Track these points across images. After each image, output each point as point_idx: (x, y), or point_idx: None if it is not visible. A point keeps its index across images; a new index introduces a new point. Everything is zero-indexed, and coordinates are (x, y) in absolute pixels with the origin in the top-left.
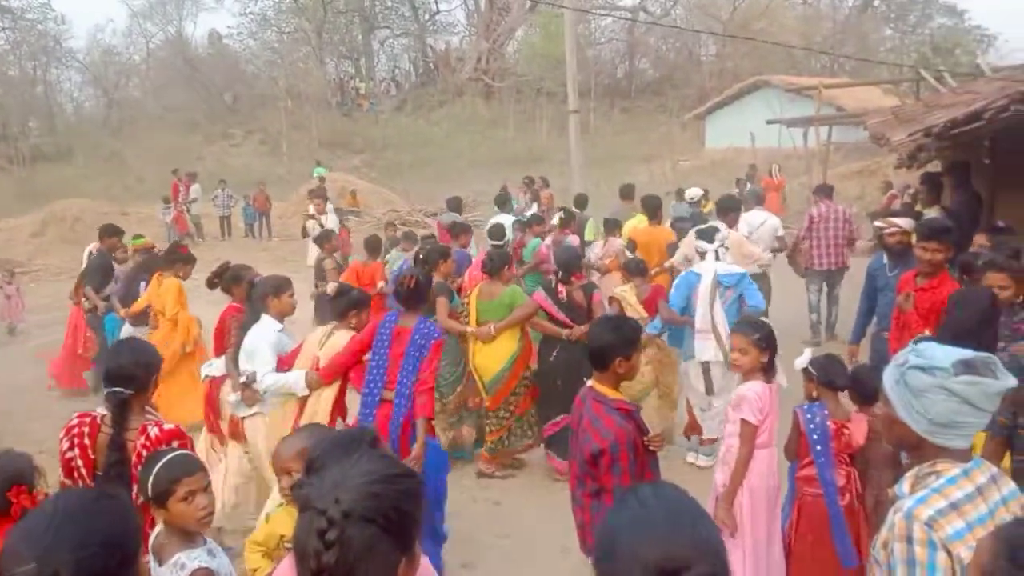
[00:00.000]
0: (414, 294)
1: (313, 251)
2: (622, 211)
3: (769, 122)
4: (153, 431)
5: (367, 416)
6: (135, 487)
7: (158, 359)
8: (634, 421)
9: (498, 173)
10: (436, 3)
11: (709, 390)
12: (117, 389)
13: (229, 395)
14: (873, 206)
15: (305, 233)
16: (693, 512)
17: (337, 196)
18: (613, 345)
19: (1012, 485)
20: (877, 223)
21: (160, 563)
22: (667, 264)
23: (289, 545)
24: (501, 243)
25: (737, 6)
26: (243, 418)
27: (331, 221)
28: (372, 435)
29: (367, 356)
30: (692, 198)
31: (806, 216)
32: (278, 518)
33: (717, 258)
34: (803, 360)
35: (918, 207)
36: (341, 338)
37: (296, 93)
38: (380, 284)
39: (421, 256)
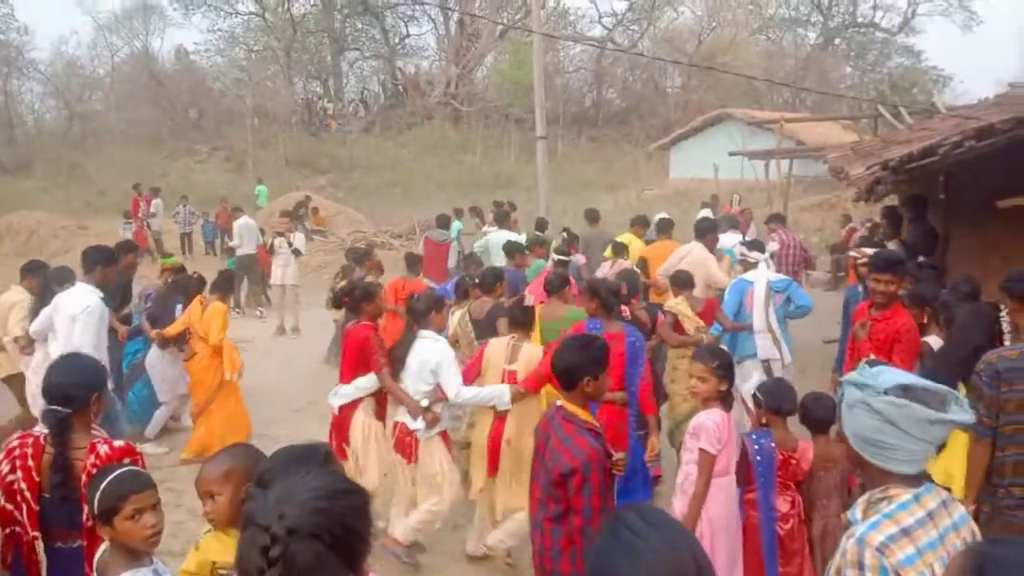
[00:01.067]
0: (611, 300)
1: (277, 270)
2: (591, 235)
3: (731, 154)
4: (103, 449)
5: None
6: (84, 508)
7: (100, 378)
8: (601, 442)
9: (465, 197)
10: (406, 27)
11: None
12: (54, 408)
13: (415, 422)
14: (832, 239)
15: (272, 250)
16: (683, 532)
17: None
18: (580, 364)
19: (962, 510)
20: (852, 253)
21: None
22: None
23: (223, 572)
24: (566, 260)
25: (702, 40)
26: (416, 439)
27: (299, 240)
28: (326, 451)
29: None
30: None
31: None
32: (207, 544)
33: (767, 267)
34: (751, 385)
35: (878, 239)
36: (533, 349)
37: (263, 111)
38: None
39: (471, 279)
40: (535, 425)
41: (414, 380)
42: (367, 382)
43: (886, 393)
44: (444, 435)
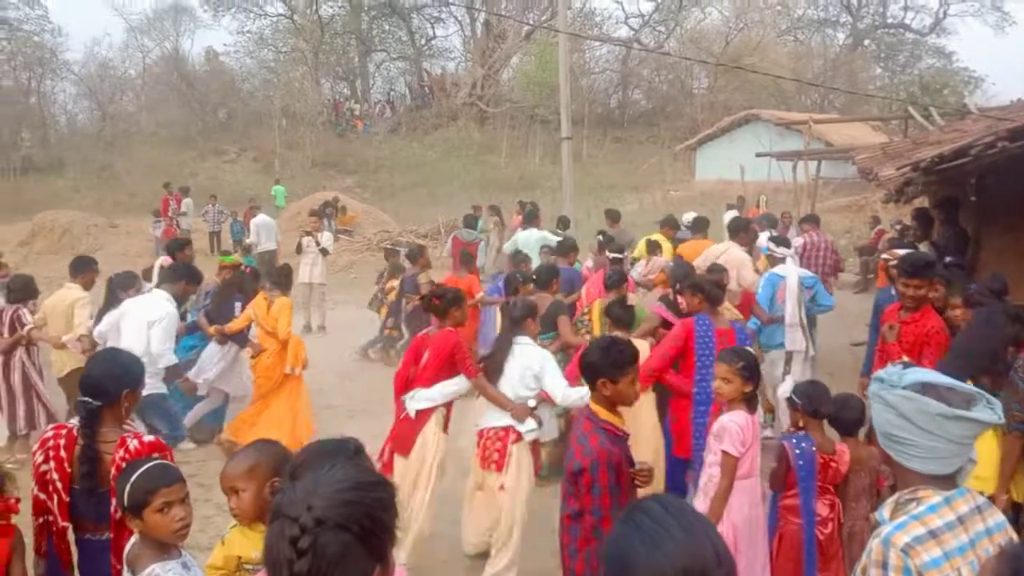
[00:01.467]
0: (716, 294)
1: (304, 268)
2: (612, 234)
3: (759, 155)
4: (133, 443)
5: (703, 413)
6: (113, 501)
7: (134, 374)
8: (621, 445)
9: (490, 197)
10: (433, 28)
11: (784, 375)
12: (85, 399)
13: (522, 425)
14: (861, 241)
15: (299, 249)
16: (703, 520)
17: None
18: (598, 365)
19: (1000, 517)
20: (883, 255)
21: (134, 574)
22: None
23: (249, 567)
24: (621, 257)
25: (730, 41)
26: (505, 446)
27: (327, 239)
28: (356, 445)
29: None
30: (687, 221)
31: (799, 244)
32: (232, 539)
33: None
34: (786, 388)
35: (909, 241)
36: (639, 345)
37: (291, 112)
38: (479, 295)
39: (521, 276)
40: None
41: (514, 386)
42: (454, 386)
43: (904, 388)
44: (534, 446)
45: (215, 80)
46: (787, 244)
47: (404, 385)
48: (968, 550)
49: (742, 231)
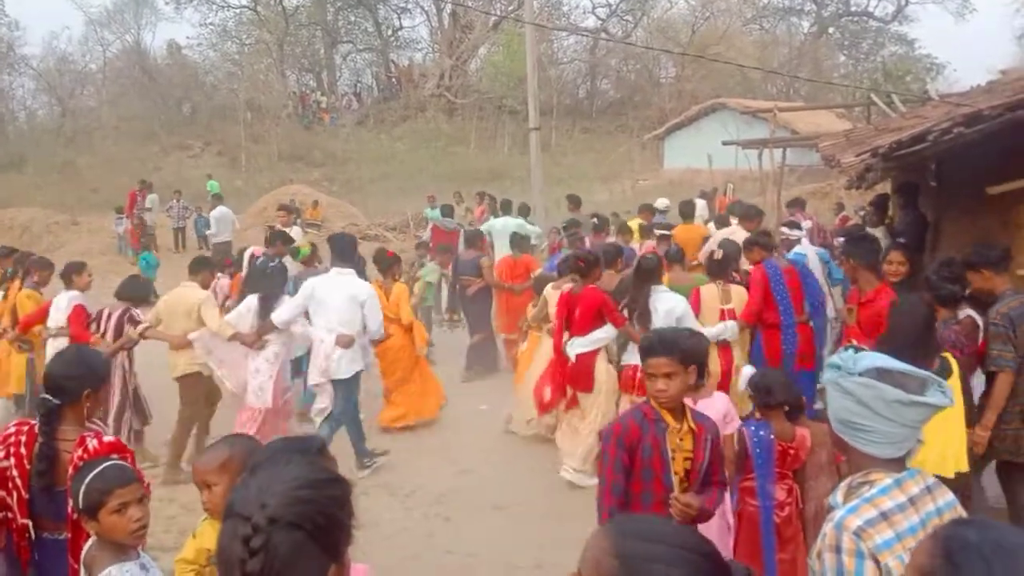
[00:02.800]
0: (766, 243)
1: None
2: (574, 217)
3: (725, 143)
4: (92, 443)
5: (791, 338)
6: (69, 501)
7: (97, 374)
8: (652, 431)
9: (460, 189)
10: (399, 19)
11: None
12: (45, 397)
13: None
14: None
15: (268, 244)
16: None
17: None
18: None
19: (949, 496)
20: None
21: (91, 575)
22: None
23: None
24: (669, 235)
25: (696, 30)
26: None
27: (295, 234)
28: (319, 443)
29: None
30: (661, 207)
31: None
32: (204, 532)
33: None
34: (744, 380)
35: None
36: (742, 291)
37: (256, 106)
38: (537, 271)
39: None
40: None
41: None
42: (603, 334)
43: (860, 375)
44: None
45: (178, 74)
46: (799, 227)
47: (561, 337)
48: (919, 530)
49: (753, 218)
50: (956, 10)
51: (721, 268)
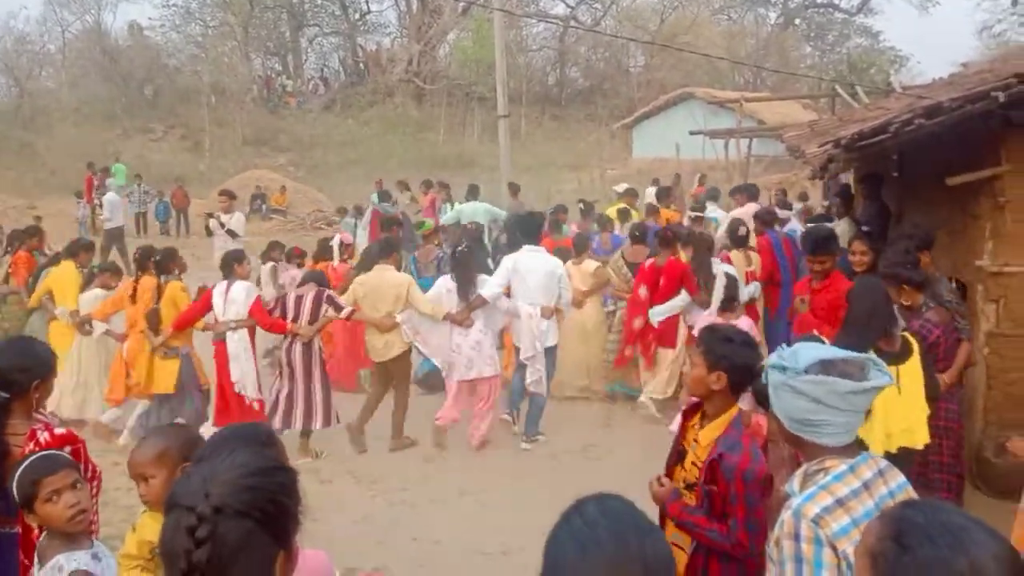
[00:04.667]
0: (767, 218)
1: (218, 252)
2: (513, 205)
3: (692, 133)
4: (43, 436)
5: (787, 295)
6: None
7: (45, 365)
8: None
9: (428, 175)
10: (367, 3)
11: None
12: None
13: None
14: None
15: (209, 232)
16: (640, 528)
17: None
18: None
19: (900, 478)
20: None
21: (41, 566)
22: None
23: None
24: (703, 216)
25: (665, 19)
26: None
27: (236, 221)
28: (267, 433)
29: None
30: (620, 191)
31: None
32: (144, 524)
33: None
34: None
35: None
36: (759, 258)
37: (220, 89)
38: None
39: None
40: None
41: (718, 293)
42: (680, 301)
43: (806, 372)
44: None
45: (140, 55)
46: (789, 207)
47: (641, 306)
48: (874, 514)
49: (755, 195)
50: (920, 3)
51: (745, 240)
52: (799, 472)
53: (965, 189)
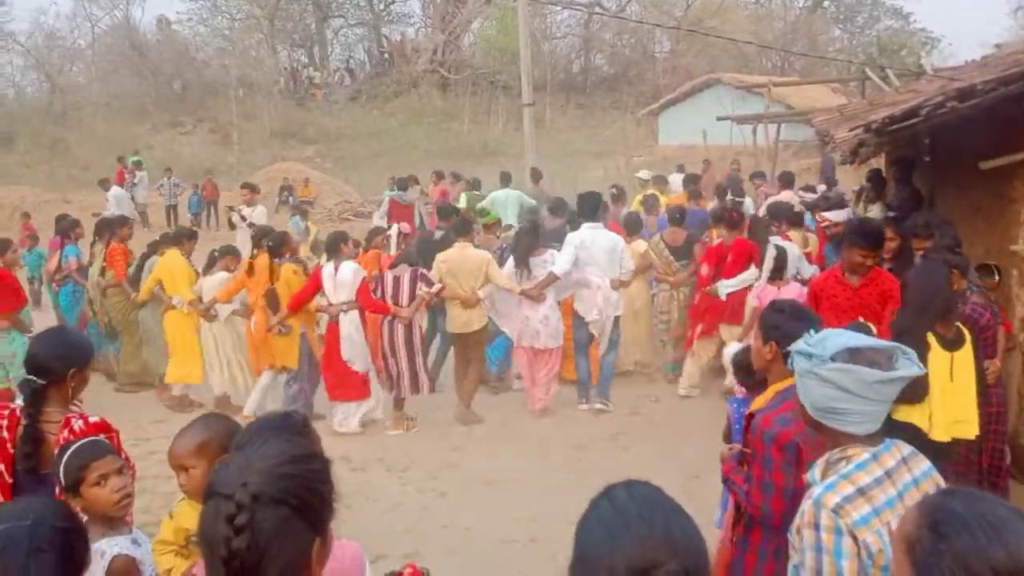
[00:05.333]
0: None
1: (241, 246)
2: (535, 191)
3: (719, 119)
4: (77, 424)
5: None
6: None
7: (82, 353)
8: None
9: (453, 165)
10: None
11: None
12: (30, 378)
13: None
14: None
15: (232, 226)
16: (667, 510)
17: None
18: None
19: (925, 465)
20: (815, 217)
21: None
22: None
23: (196, 539)
24: (742, 201)
25: (691, 4)
26: None
27: (258, 214)
28: (302, 421)
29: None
30: (645, 177)
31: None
32: (182, 512)
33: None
34: (728, 354)
35: (861, 203)
36: (814, 239)
37: (248, 82)
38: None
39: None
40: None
41: (768, 264)
42: (748, 275)
43: (833, 360)
44: None
45: (168, 49)
46: (813, 191)
47: (707, 281)
48: (897, 503)
49: (790, 183)
50: None
51: (800, 218)
52: (820, 460)
53: (999, 173)
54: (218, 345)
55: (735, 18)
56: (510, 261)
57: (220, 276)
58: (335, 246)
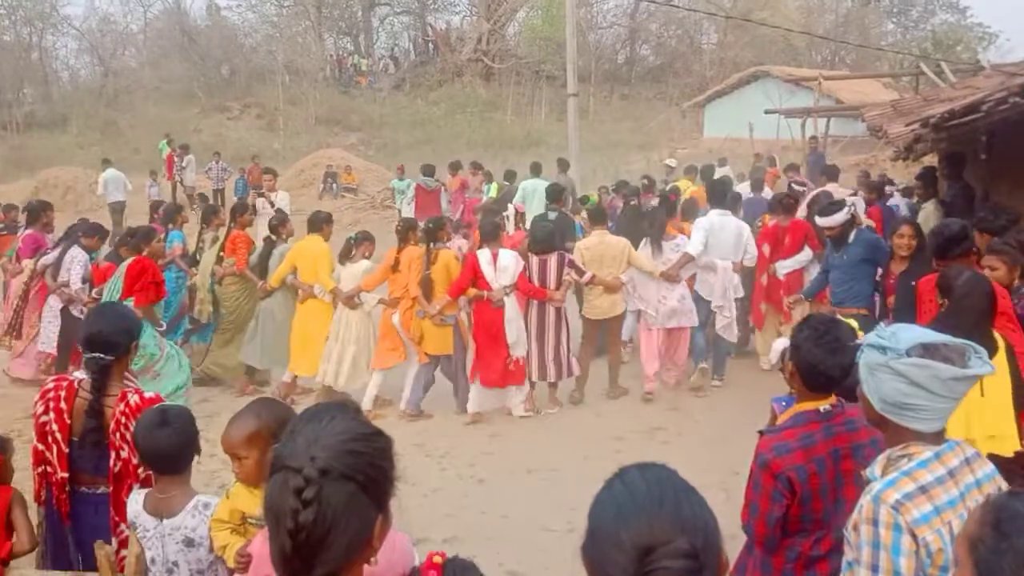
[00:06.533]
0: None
1: (262, 229)
2: (562, 179)
3: (767, 112)
4: (134, 399)
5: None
6: (111, 454)
7: (139, 326)
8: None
9: (496, 155)
10: None
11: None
12: (97, 355)
13: None
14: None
15: (255, 211)
16: (678, 488)
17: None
18: None
19: (988, 467)
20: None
21: (166, 517)
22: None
23: (253, 521)
24: (800, 190)
25: None
26: None
27: (282, 199)
28: (355, 406)
29: None
30: (672, 165)
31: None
32: (238, 493)
33: None
34: (777, 350)
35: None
36: None
37: (294, 68)
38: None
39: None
40: None
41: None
42: (804, 256)
43: (908, 354)
44: None
45: (217, 35)
46: (892, 183)
47: (768, 261)
48: (959, 503)
49: (836, 176)
50: None
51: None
52: (881, 456)
53: None
54: (347, 336)
55: (785, 10)
56: (645, 244)
57: (363, 265)
58: (494, 232)
